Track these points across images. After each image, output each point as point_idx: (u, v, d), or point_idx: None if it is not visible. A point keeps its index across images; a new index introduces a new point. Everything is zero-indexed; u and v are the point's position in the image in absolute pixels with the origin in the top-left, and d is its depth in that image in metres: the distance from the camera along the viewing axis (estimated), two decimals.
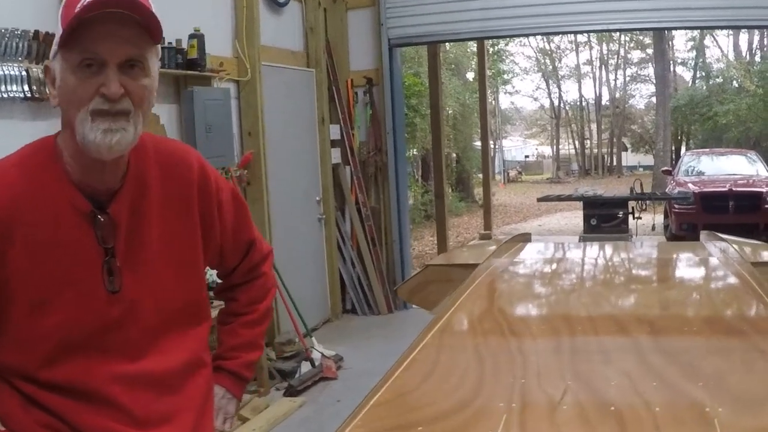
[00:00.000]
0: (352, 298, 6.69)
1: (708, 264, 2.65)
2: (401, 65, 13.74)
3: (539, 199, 7.74)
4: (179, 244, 1.45)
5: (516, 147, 40.76)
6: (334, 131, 6.55)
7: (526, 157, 40.42)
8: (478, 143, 16.36)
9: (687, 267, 2.74)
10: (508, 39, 23.14)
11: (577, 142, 35.89)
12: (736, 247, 2.71)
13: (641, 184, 6.64)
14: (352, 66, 6.71)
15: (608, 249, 3.18)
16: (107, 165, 1.31)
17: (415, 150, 15.46)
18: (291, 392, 4.56)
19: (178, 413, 1.43)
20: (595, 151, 35.82)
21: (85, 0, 1.21)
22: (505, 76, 29.67)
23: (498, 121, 33.34)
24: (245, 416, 4.05)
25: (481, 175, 14.16)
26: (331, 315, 6.48)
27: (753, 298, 1.96)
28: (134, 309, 1.38)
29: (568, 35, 26.93)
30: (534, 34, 11.98)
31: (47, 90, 1.33)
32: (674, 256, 2.95)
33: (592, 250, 3.23)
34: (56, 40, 1.27)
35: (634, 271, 2.64)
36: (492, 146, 31.64)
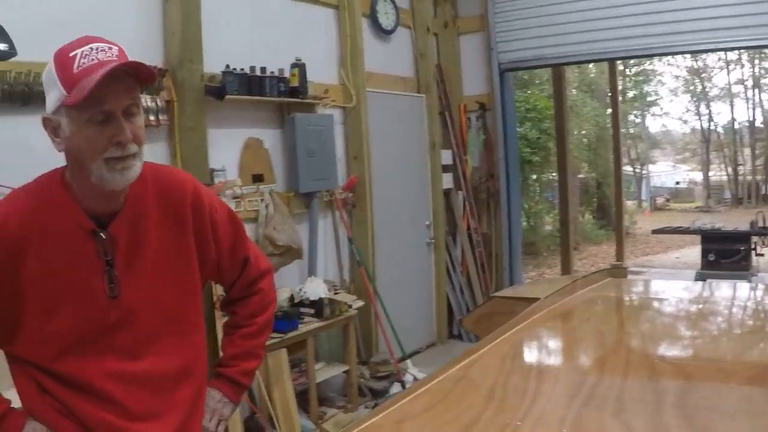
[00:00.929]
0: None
1: None
2: (524, 89, 13.46)
3: (654, 231, 7.33)
4: (174, 258, 1.63)
5: (666, 172, 38.66)
6: (446, 156, 6.56)
7: (677, 183, 38.23)
8: (623, 168, 15.59)
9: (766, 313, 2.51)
10: (650, 58, 22.00)
11: (729, 168, 33.37)
12: None
13: (764, 217, 6.08)
14: (465, 91, 6.70)
15: (699, 288, 2.95)
16: (114, 192, 1.53)
17: (553, 174, 15.00)
18: None
19: (167, 411, 1.60)
20: (749, 177, 33.09)
21: (85, 64, 1.42)
22: (651, 98, 28.22)
23: (645, 145, 31.75)
24: (327, 429, 4.13)
25: (626, 201, 13.47)
26: (436, 339, 6.46)
27: None
28: (130, 315, 1.56)
29: (716, 53, 24.97)
30: (660, 55, 11.27)
31: (50, 137, 1.53)
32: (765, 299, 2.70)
33: (679, 288, 3.01)
34: (57, 97, 1.46)
35: (705, 314, 2.45)
36: (638, 171, 30.24)
